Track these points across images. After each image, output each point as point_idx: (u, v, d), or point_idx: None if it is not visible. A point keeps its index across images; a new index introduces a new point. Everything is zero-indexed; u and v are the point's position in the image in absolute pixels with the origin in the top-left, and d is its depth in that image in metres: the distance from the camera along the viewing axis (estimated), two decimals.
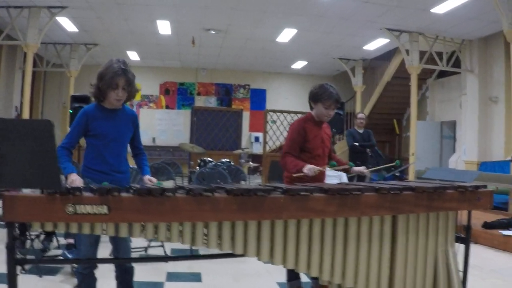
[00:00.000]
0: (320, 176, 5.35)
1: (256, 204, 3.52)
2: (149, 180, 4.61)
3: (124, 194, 3.34)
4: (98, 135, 4.42)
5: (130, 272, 4.68)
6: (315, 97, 5.37)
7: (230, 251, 3.63)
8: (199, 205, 3.38)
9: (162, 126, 22.67)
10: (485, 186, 4.67)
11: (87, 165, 4.48)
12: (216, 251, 3.67)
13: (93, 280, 4.40)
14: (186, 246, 7.23)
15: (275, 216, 3.61)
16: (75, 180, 4.12)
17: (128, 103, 4.72)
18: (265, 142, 16.76)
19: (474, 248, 8.04)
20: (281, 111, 17.15)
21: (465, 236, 4.76)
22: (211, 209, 3.41)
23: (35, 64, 16.42)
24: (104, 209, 3.20)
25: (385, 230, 4.16)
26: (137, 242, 7.37)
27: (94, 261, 4.41)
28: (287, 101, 22.19)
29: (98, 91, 4.39)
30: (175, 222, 3.43)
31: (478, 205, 4.57)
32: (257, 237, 3.67)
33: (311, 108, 5.48)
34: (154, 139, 22.26)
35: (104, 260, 4.97)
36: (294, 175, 5.12)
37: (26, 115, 13.93)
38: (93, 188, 3.28)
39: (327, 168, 5.61)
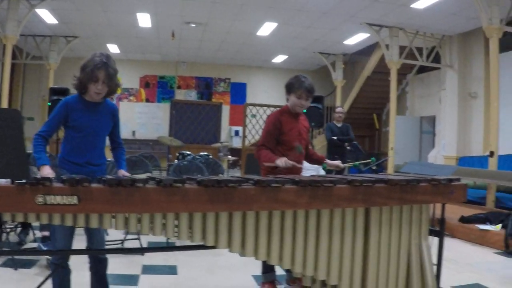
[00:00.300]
0: (297, 171, 5.35)
1: (227, 195, 3.51)
2: (123, 175, 4.56)
3: (94, 185, 3.32)
4: (77, 127, 4.39)
5: (104, 263, 4.66)
6: (288, 88, 5.38)
7: (201, 243, 3.62)
8: (169, 196, 3.37)
9: (142, 119, 22.58)
10: (458, 180, 4.69)
11: (64, 157, 4.46)
12: (192, 243, 3.66)
13: (67, 271, 4.38)
14: (163, 239, 7.26)
15: (246, 208, 3.60)
16: (47, 174, 4.04)
17: (109, 97, 4.69)
18: (244, 136, 16.77)
19: (451, 242, 8.12)
20: (261, 105, 17.16)
21: (439, 229, 4.76)
22: (182, 200, 3.39)
23: (14, 56, 16.28)
24: (74, 200, 3.17)
25: (358, 223, 4.16)
26: (114, 235, 7.36)
27: (68, 252, 4.36)
28: (268, 95, 22.18)
29: (79, 83, 4.37)
30: (146, 213, 3.40)
31: (452, 198, 4.59)
32: (228, 228, 3.66)
33: (287, 100, 5.47)
34: (134, 133, 22.17)
35: (79, 252, 4.94)
36: (265, 164, 5.12)
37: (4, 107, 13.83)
38: (63, 179, 3.25)
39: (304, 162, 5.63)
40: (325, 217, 4.00)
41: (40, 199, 3.10)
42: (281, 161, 5.01)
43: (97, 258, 4.61)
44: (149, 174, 8.91)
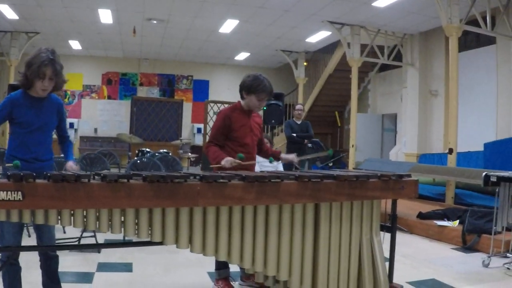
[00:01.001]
0: (251, 168, 5.35)
1: (173, 191, 3.50)
2: (70, 166, 4.55)
3: (39, 181, 3.28)
4: (22, 123, 4.35)
5: (54, 260, 4.62)
6: (248, 88, 5.32)
7: (147, 239, 3.61)
8: (114, 192, 3.35)
9: (104, 116, 22.46)
10: (409, 175, 4.72)
11: (11, 153, 4.42)
12: (139, 239, 3.65)
13: (17, 268, 4.35)
14: (120, 236, 7.21)
15: (192, 203, 3.60)
16: None
17: (56, 92, 4.65)
18: (205, 133, 16.78)
19: (409, 238, 8.18)
20: (222, 102, 17.19)
21: (391, 225, 4.79)
22: (127, 195, 3.38)
23: None
24: (18, 195, 3.14)
25: (308, 218, 4.18)
26: (71, 233, 7.31)
27: (16, 249, 4.33)
28: (230, 92, 22.15)
29: (25, 80, 4.32)
30: (91, 208, 3.38)
31: (402, 194, 4.62)
32: (175, 224, 3.66)
33: (242, 98, 5.45)
34: (96, 130, 22.07)
35: (27, 248, 4.90)
36: (211, 166, 5.10)
37: None
38: (7, 174, 3.23)
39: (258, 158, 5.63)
40: (274, 213, 4.01)
41: None
42: (227, 161, 5.01)
43: (48, 255, 4.58)
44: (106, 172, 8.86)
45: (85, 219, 3.42)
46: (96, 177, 3.48)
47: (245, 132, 5.36)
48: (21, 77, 4.35)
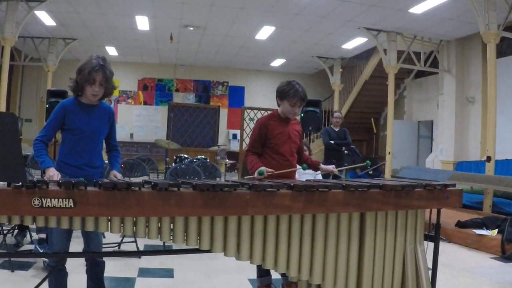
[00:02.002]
0: (290, 175, 5.36)
1: (222, 199, 3.52)
2: (115, 175, 4.61)
3: (90, 188, 3.32)
4: (74, 130, 4.42)
5: (101, 266, 4.69)
6: (281, 94, 5.34)
7: (196, 247, 3.64)
8: (165, 200, 3.37)
9: (139, 122, 22.62)
10: (454, 185, 4.69)
11: (62, 160, 4.48)
12: (188, 246, 3.68)
13: (64, 274, 4.41)
14: (160, 242, 7.26)
15: (241, 212, 3.61)
16: (53, 175, 4.12)
17: (106, 99, 4.71)
18: (242, 140, 16.77)
19: (447, 247, 8.12)
20: (259, 109, 17.15)
21: (435, 234, 4.77)
22: (177, 204, 3.40)
23: (12, 58, 16.25)
24: (70, 203, 3.18)
25: (353, 227, 4.17)
26: (111, 238, 7.38)
27: (64, 255, 4.40)
28: (265, 99, 22.18)
29: (76, 86, 4.40)
30: (141, 216, 3.42)
31: (447, 204, 4.59)
32: (223, 233, 3.67)
33: (278, 104, 5.47)
34: (131, 135, 22.21)
35: (75, 254, 4.96)
36: (246, 178, 5.09)
37: (3, 109, 13.75)
38: (59, 182, 3.27)
39: (299, 167, 5.63)
40: (320, 222, 4.00)
41: (36, 202, 3.12)
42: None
43: (94, 261, 4.64)
44: (146, 177, 8.92)
45: (134, 227, 3.46)
46: (146, 185, 3.51)
47: (282, 140, 5.36)
48: (72, 83, 4.42)
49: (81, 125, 4.42)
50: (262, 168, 5.01)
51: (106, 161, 4.98)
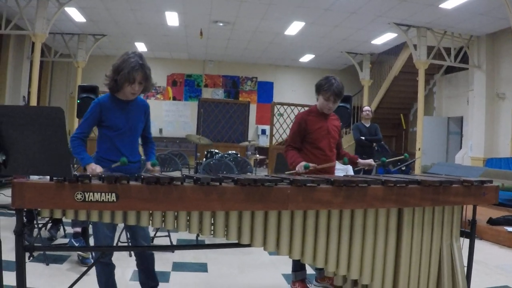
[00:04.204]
0: (330, 170, 5.38)
1: (263, 194, 3.55)
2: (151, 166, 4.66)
3: (132, 183, 3.38)
4: (112, 126, 4.46)
5: (151, 259, 4.80)
6: (318, 89, 5.39)
7: (236, 241, 3.67)
8: (206, 195, 3.41)
9: (169, 117, 22.71)
10: (490, 181, 4.68)
11: (101, 155, 4.53)
12: (222, 240, 3.71)
13: (112, 267, 4.50)
14: (192, 237, 7.29)
15: (282, 207, 3.63)
16: (95, 169, 4.17)
17: (142, 95, 4.76)
18: (271, 135, 16.79)
19: (479, 244, 8.04)
20: (288, 104, 17.16)
21: (470, 231, 4.76)
22: (218, 198, 3.44)
23: (43, 54, 16.40)
24: (112, 197, 3.24)
25: (391, 223, 4.18)
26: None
27: (107, 249, 4.44)
28: (295, 94, 22.21)
29: (114, 84, 4.41)
30: (183, 211, 3.46)
31: (484, 200, 4.57)
32: (263, 227, 3.71)
33: (317, 99, 5.50)
34: (161, 130, 22.28)
35: (119, 248, 5.03)
36: (287, 173, 5.07)
37: (33, 104, 13.90)
38: (101, 176, 3.32)
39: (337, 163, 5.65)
40: (359, 217, 4.03)
41: (79, 196, 3.18)
42: (301, 167, 5.03)
43: (144, 255, 4.76)
44: (178, 172, 8.95)
45: (175, 221, 3.50)
46: (187, 179, 3.54)
47: (321, 135, 5.39)
48: (109, 81, 4.44)
49: (119, 122, 4.47)
50: (307, 163, 5.04)
51: (142, 156, 5.02)
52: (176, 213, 3.49)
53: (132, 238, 4.71)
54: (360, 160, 5.74)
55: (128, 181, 3.35)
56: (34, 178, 3.47)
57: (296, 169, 5.06)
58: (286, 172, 5.12)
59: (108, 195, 3.24)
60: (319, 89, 5.36)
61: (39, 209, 3.28)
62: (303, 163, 5.06)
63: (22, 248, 3.31)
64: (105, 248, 4.39)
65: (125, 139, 4.53)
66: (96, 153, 4.59)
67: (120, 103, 4.52)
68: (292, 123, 5.54)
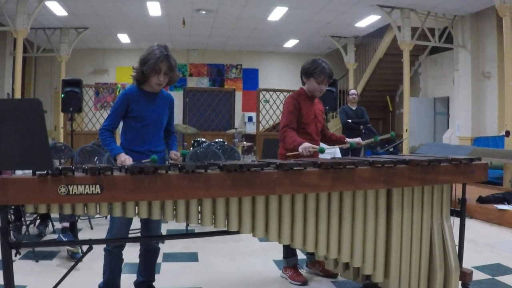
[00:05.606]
0: (315, 154, 5.33)
1: (250, 180, 3.53)
2: (175, 154, 4.77)
3: (116, 173, 3.34)
4: (137, 117, 4.55)
5: (156, 252, 4.90)
6: (307, 72, 5.32)
7: (224, 229, 3.64)
8: (192, 182, 3.38)
9: None
10: (479, 159, 4.67)
11: (126, 146, 4.59)
12: (212, 228, 3.68)
13: (120, 260, 4.56)
14: (182, 226, 7.26)
15: (269, 192, 3.62)
16: (125, 160, 4.24)
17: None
18: (258, 122, 16.79)
19: (469, 223, 8.08)
20: (274, 90, 17.17)
21: (460, 210, 4.75)
22: (204, 186, 3.41)
23: (25, 50, 16.27)
24: (97, 189, 3.20)
25: (380, 204, 4.17)
26: (133, 224, 7.38)
27: (116, 241, 4.49)
28: (280, 80, 22.15)
29: (141, 75, 4.49)
30: (169, 200, 3.43)
31: (473, 178, 4.58)
32: (251, 213, 3.69)
33: (303, 83, 5.44)
34: None
35: (131, 240, 5.01)
36: (288, 154, 5.05)
37: None
38: (84, 168, 3.28)
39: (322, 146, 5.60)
40: (348, 199, 4.02)
41: (62, 189, 3.13)
42: (304, 149, 4.90)
43: (151, 247, 4.83)
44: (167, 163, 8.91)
45: (162, 210, 3.47)
46: (172, 168, 3.52)
47: (310, 119, 5.36)
48: (136, 72, 4.52)
49: (145, 113, 4.55)
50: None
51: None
52: (162, 203, 3.45)
53: (144, 229, 4.76)
54: (347, 139, 5.66)
55: (112, 172, 3.31)
56: (18, 173, 3.43)
57: (300, 150, 4.95)
58: (288, 154, 5.08)
59: (92, 187, 3.20)
60: (310, 73, 5.29)
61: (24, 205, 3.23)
62: (307, 144, 4.98)
63: (7, 245, 3.26)
64: (115, 240, 4.45)
65: (150, 130, 4.62)
66: (120, 144, 4.65)
67: (147, 94, 4.60)
68: (284, 106, 5.44)
